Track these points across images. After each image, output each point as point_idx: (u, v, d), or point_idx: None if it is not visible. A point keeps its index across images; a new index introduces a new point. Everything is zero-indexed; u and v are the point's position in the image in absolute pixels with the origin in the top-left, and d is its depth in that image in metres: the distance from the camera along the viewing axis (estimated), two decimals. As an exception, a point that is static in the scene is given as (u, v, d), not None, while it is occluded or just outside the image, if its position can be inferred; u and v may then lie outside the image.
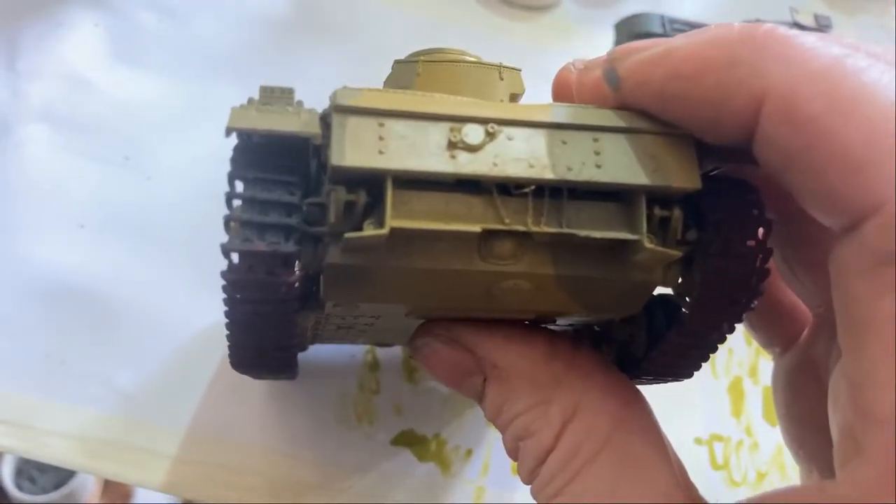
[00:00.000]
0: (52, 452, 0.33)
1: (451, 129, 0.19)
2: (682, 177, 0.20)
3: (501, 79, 0.25)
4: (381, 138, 0.19)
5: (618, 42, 0.53)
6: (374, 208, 0.19)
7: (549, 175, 0.19)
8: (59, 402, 0.34)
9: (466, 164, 0.19)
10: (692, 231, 0.21)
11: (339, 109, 0.19)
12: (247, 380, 0.32)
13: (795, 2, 0.55)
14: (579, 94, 0.22)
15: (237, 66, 0.49)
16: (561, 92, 0.23)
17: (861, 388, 0.15)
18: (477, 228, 0.19)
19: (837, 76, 0.15)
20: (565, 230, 0.20)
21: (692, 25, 0.52)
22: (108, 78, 0.46)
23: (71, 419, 0.34)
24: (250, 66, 0.49)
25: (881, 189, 0.14)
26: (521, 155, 0.19)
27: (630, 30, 0.52)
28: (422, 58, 0.25)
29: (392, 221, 0.19)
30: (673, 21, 0.52)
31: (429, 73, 0.24)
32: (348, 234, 0.19)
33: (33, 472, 0.95)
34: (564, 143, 0.19)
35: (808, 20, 0.48)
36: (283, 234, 0.19)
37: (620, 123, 0.20)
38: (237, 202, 0.20)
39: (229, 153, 0.21)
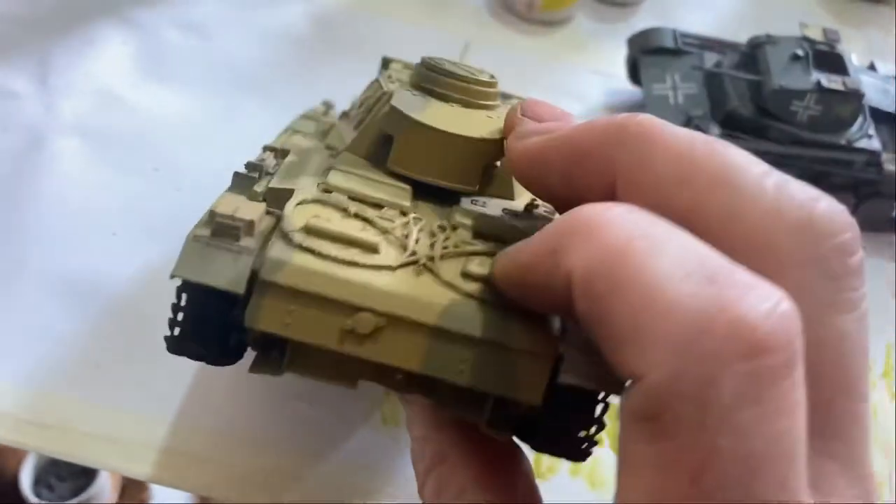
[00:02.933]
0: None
1: (348, 318, 0.23)
2: (528, 391, 0.23)
3: (480, 152, 0.27)
4: (290, 311, 0.22)
5: (630, 57, 0.54)
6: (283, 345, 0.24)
7: (418, 369, 0.23)
8: (94, 402, 0.35)
9: (354, 346, 0.23)
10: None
11: (262, 284, 0.22)
12: (273, 379, 0.32)
13: (805, 16, 0.56)
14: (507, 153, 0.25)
15: (259, 80, 0.50)
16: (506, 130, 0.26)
17: None
18: (355, 386, 0.25)
19: (622, 258, 0.17)
20: (431, 397, 0.25)
21: (704, 40, 0.53)
22: (136, 93, 0.48)
23: (109, 421, 0.35)
24: (272, 81, 0.51)
25: (641, 364, 0.17)
26: (401, 347, 0.23)
27: (643, 44, 0.53)
28: (413, 115, 0.27)
29: (287, 369, 0.24)
30: (685, 35, 0.53)
31: (408, 140, 0.27)
32: (250, 370, 0.24)
33: (52, 480, 0.96)
34: (441, 345, 0.23)
35: (817, 34, 0.48)
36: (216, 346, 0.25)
37: (494, 335, 0.23)
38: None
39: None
